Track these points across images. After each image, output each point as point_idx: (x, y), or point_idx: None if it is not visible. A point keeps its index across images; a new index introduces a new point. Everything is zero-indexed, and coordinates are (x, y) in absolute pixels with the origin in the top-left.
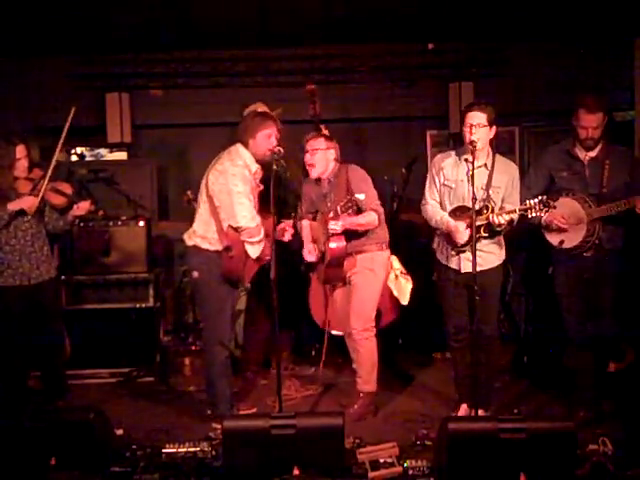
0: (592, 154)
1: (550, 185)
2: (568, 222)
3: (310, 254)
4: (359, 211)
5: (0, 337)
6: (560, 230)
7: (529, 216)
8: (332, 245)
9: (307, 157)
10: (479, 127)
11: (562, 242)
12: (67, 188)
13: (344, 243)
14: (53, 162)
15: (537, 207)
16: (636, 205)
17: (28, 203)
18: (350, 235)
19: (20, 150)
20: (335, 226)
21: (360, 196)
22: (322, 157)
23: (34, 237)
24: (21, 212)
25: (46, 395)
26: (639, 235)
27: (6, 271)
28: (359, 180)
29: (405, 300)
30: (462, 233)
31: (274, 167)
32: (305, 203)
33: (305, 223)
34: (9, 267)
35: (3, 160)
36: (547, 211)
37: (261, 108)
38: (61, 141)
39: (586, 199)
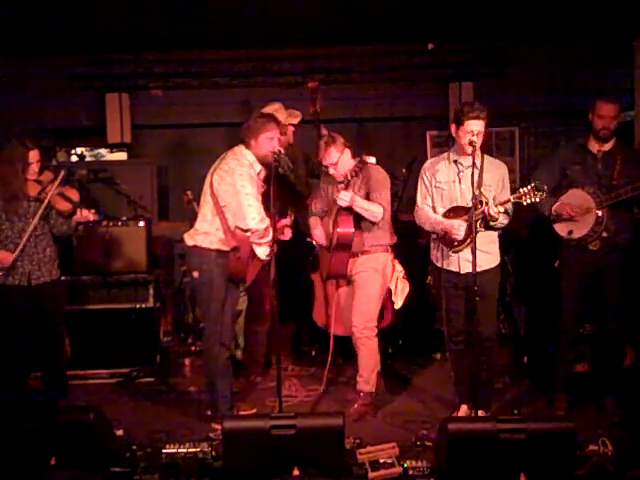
0: (606, 148)
1: (561, 180)
2: (577, 211)
3: (321, 237)
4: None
5: (0, 336)
6: (570, 219)
7: (524, 203)
8: (340, 230)
9: (330, 171)
10: (480, 134)
11: (571, 232)
12: (74, 195)
13: (352, 229)
14: (62, 173)
15: (531, 193)
16: None
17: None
18: (356, 226)
19: (34, 155)
20: (344, 197)
21: (372, 159)
22: (342, 163)
23: (38, 238)
24: None
25: (47, 395)
26: None
27: (6, 270)
28: (377, 179)
29: (399, 304)
30: (459, 228)
31: (274, 167)
32: (319, 200)
33: (313, 219)
34: (11, 266)
35: (17, 163)
36: (541, 195)
37: (278, 110)
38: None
39: (595, 191)
